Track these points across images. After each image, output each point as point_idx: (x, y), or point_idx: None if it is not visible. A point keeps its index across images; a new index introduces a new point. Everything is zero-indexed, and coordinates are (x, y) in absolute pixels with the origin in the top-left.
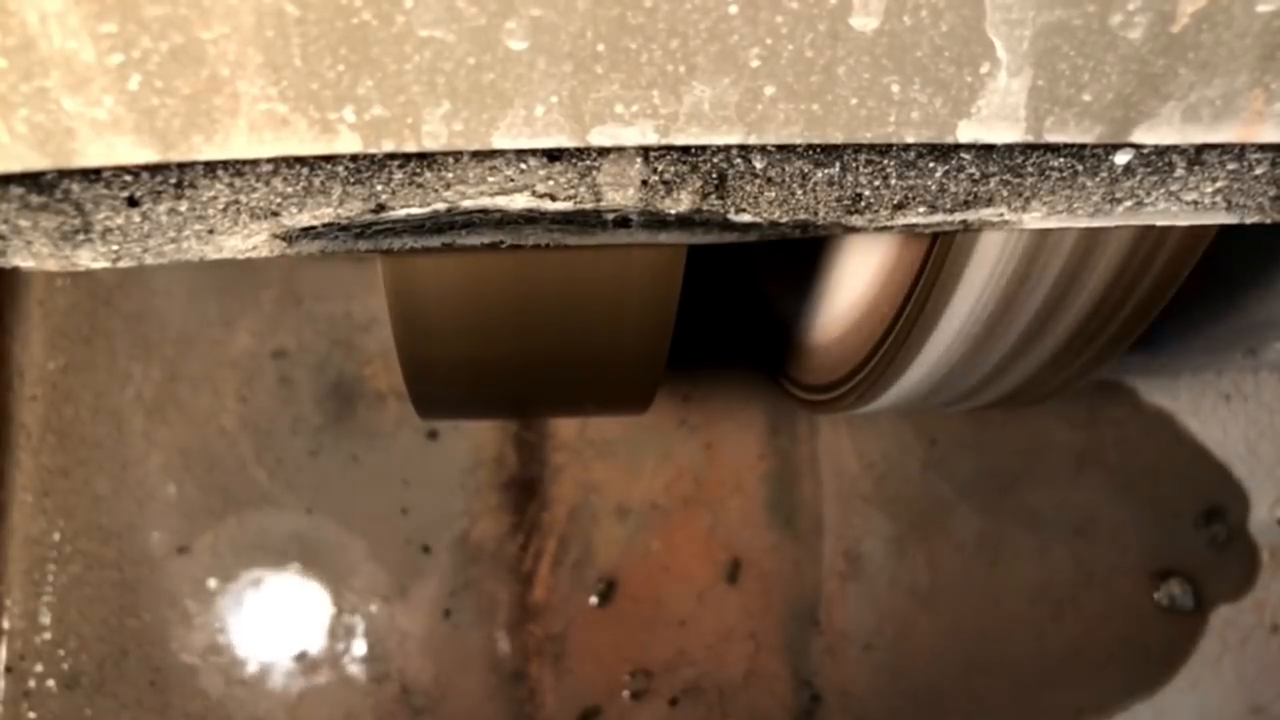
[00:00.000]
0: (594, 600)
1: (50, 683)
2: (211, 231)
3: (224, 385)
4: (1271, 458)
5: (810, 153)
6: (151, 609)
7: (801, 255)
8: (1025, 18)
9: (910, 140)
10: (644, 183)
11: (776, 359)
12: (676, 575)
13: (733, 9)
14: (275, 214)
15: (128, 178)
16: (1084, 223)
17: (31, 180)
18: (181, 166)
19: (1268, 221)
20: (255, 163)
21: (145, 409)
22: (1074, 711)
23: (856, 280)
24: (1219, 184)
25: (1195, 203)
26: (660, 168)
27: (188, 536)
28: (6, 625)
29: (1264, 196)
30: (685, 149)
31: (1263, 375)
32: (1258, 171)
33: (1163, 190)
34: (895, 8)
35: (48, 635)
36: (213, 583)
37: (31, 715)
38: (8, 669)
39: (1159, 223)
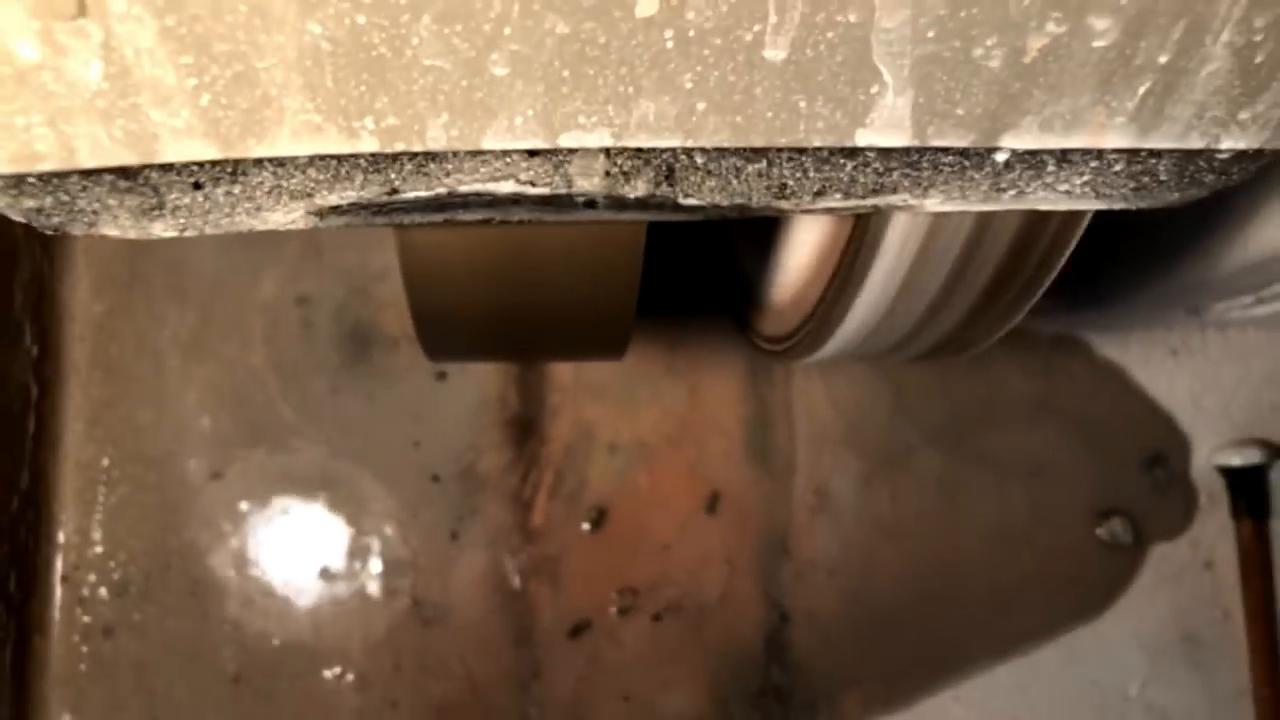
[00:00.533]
0: (586, 527)
1: (103, 593)
2: (258, 209)
3: (252, 328)
4: (1214, 408)
5: (740, 152)
6: (190, 528)
7: (763, 228)
8: (904, 50)
9: (818, 144)
10: (607, 173)
11: (744, 313)
12: (661, 506)
13: (669, 44)
14: (310, 195)
15: (194, 168)
16: (978, 207)
17: (121, 171)
18: (237, 160)
19: (1132, 208)
20: (295, 158)
21: (181, 348)
22: (1021, 634)
23: (802, 248)
24: (1085, 178)
25: (1068, 192)
26: (619, 162)
27: (221, 464)
28: (62, 539)
29: (1125, 188)
30: (638, 149)
31: (1209, 332)
32: (1116, 168)
33: (1039, 182)
34: (799, 43)
35: (99, 549)
36: (244, 506)
37: (88, 620)
38: (64, 578)
39: (1041, 208)
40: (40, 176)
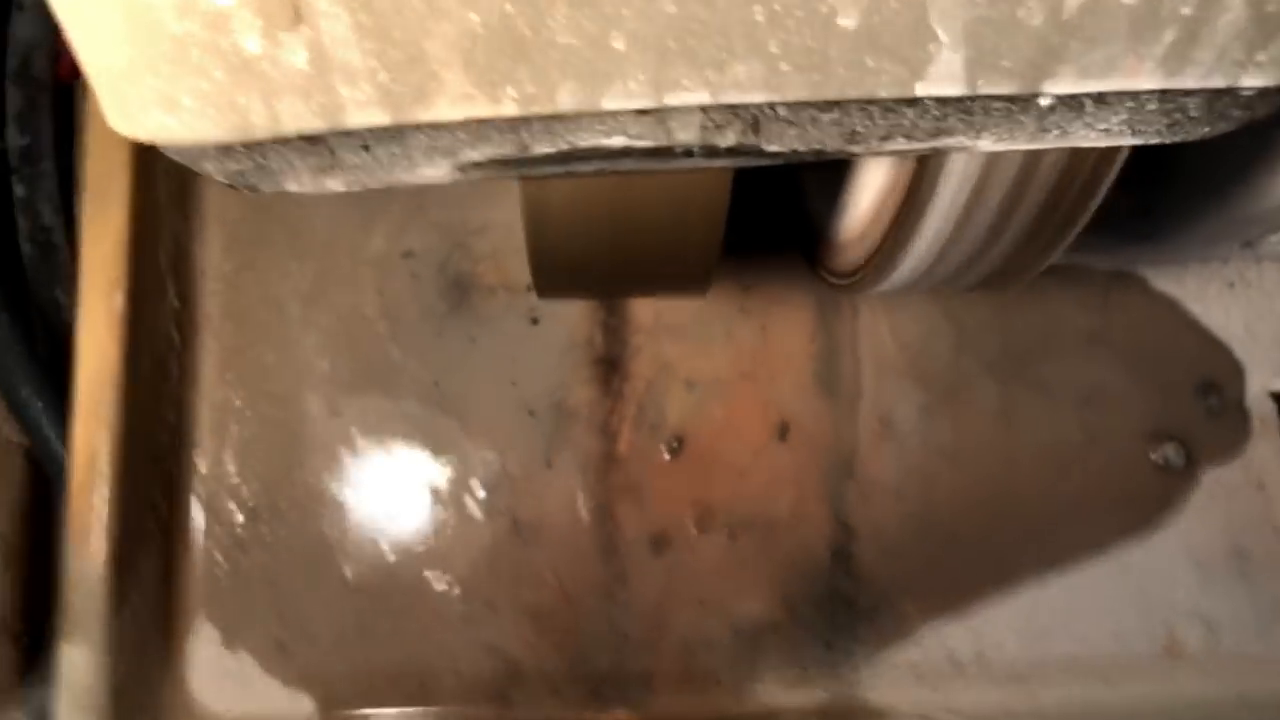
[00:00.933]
0: (667, 455)
1: (238, 515)
2: (413, 165)
3: (364, 280)
4: (1269, 338)
5: (816, 105)
6: (312, 458)
7: (832, 173)
8: (957, 15)
9: (884, 95)
10: (702, 127)
11: (814, 250)
12: (735, 434)
13: (759, 18)
14: (455, 153)
15: (365, 133)
16: (1025, 146)
17: (308, 137)
18: (400, 125)
19: (1166, 143)
20: (447, 122)
21: (301, 299)
22: (1074, 549)
23: (868, 189)
24: (1122, 116)
25: (1107, 130)
26: (713, 116)
27: (339, 401)
28: (202, 469)
29: (1159, 124)
30: (730, 105)
31: (1265, 265)
32: (1150, 107)
33: (1080, 122)
34: (868, 12)
35: (234, 477)
36: (359, 437)
37: (225, 538)
38: (204, 502)
39: (1083, 145)
40: (245, 143)
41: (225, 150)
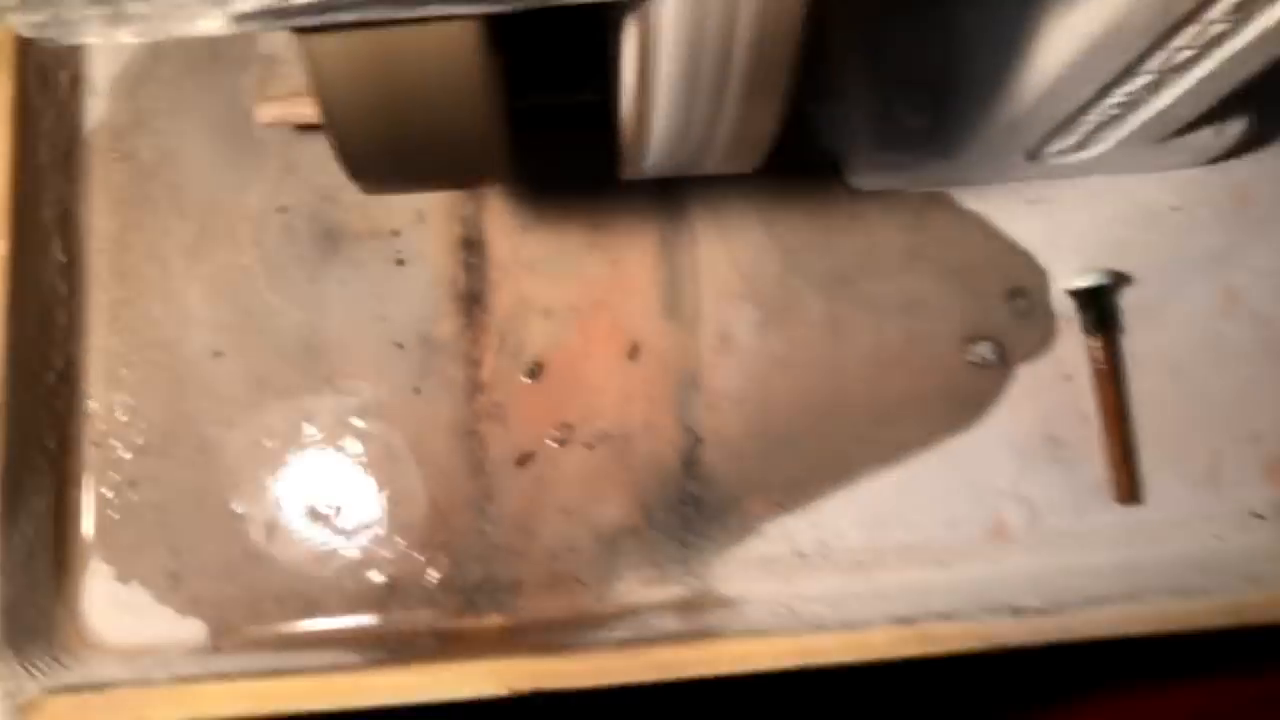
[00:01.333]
0: (527, 379)
1: (127, 454)
2: (192, 17)
3: (242, 234)
4: (1068, 246)
5: None
6: (197, 398)
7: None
8: None
9: None
10: None
11: (616, 144)
12: (590, 357)
13: None
14: (224, 4)
15: None
16: None
17: None
18: None
19: None
20: None
21: (184, 254)
22: (903, 445)
23: (627, 74)
24: None
25: None
26: None
27: (221, 345)
28: (90, 411)
29: None
30: None
31: (1059, 183)
32: None
33: None
34: None
35: (123, 418)
36: (240, 376)
37: (116, 476)
38: (94, 443)
39: None
40: None
41: (24, 2)
